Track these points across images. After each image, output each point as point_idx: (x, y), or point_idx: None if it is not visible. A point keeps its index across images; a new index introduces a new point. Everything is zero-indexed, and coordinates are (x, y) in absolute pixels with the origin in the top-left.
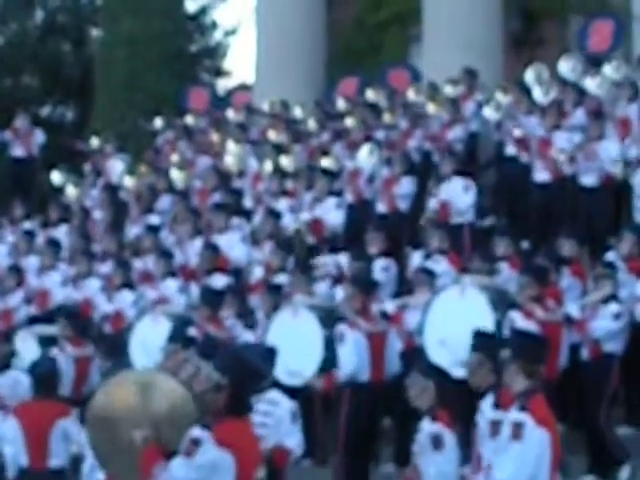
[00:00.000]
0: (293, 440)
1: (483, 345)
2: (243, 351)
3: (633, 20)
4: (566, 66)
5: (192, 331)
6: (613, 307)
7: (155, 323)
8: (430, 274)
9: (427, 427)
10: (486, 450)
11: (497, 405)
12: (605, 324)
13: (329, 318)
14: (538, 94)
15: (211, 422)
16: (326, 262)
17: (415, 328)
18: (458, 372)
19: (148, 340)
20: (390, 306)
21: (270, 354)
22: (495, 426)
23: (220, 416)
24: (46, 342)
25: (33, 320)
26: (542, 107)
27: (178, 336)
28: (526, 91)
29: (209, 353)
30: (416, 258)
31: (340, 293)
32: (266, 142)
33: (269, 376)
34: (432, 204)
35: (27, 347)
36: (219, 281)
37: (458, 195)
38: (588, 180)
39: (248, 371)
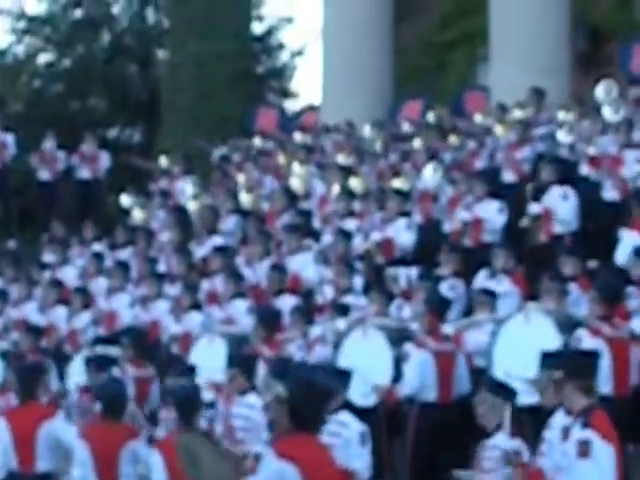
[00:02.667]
0: (360, 463)
1: (549, 364)
2: (307, 368)
3: None
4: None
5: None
6: None
7: (211, 344)
8: (491, 295)
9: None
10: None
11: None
12: None
13: (399, 337)
14: (608, 112)
15: (275, 438)
16: (398, 274)
17: (476, 349)
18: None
19: (203, 361)
20: (449, 328)
21: (343, 375)
22: (566, 431)
23: (284, 433)
24: (108, 363)
25: (100, 342)
26: (612, 125)
27: (236, 359)
28: (596, 110)
29: (280, 372)
30: (480, 278)
31: (408, 311)
32: (333, 163)
33: (335, 394)
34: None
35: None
36: (287, 302)
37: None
38: None
39: (310, 387)
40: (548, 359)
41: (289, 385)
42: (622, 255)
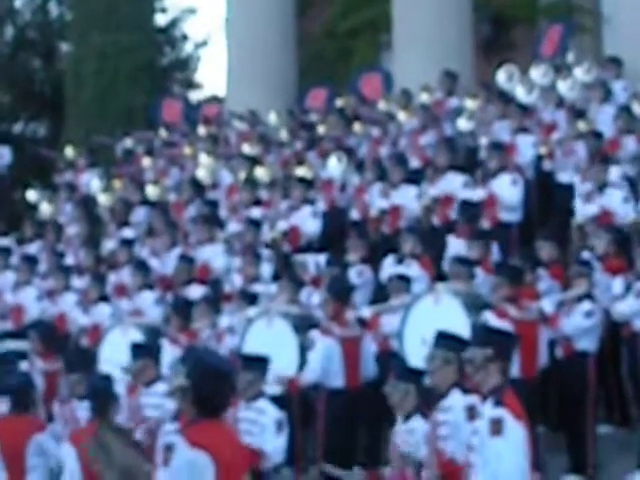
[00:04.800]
0: (271, 446)
1: (448, 344)
2: (204, 353)
3: (602, 22)
4: (537, 72)
5: (164, 342)
6: (585, 305)
7: (125, 334)
8: (405, 280)
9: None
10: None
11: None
12: (576, 321)
13: (304, 325)
14: (521, 94)
15: (183, 427)
16: (307, 261)
17: (391, 332)
18: None
19: (118, 351)
20: (366, 312)
21: (261, 362)
22: (471, 410)
23: (191, 421)
24: (17, 357)
25: (7, 336)
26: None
27: (144, 349)
28: (499, 94)
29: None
30: (388, 263)
31: (317, 297)
32: (238, 154)
33: (232, 377)
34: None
35: None
36: (196, 292)
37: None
38: (565, 177)
39: (208, 372)
40: (445, 340)
41: (190, 372)
42: None
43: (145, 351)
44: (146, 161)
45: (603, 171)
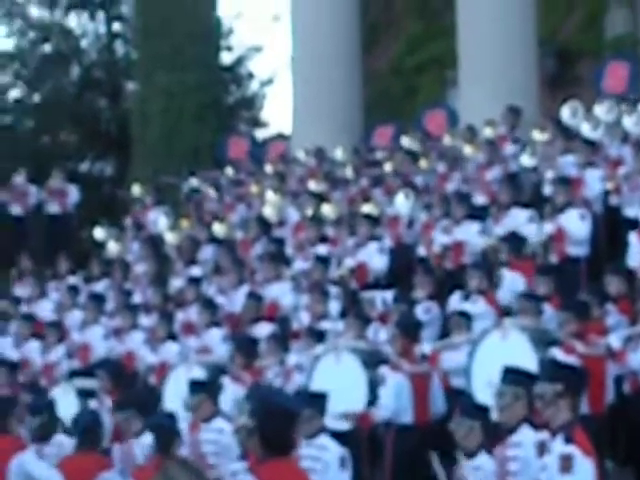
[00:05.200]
0: None
1: (517, 380)
2: (269, 392)
3: None
4: (601, 108)
5: (226, 380)
6: None
7: (189, 372)
8: (466, 317)
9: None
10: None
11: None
12: None
13: (373, 361)
14: (586, 130)
15: (253, 466)
16: (374, 297)
17: (451, 369)
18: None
19: (181, 389)
20: (427, 348)
21: (319, 398)
22: (542, 447)
23: (261, 460)
24: (85, 396)
25: (75, 374)
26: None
27: (202, 386)
28: (563, 129)
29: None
30: (455, 299)
31: (384, 334)
32: (305, 191)
33: (300, 415)
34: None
35: (66, 401)
36: (263, 330)
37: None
38: (632, 212)
39: (273, 411)
40: (514, 375)
41: (255, 411)
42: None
43: (202, 387)
44: (212, 199)
45: None
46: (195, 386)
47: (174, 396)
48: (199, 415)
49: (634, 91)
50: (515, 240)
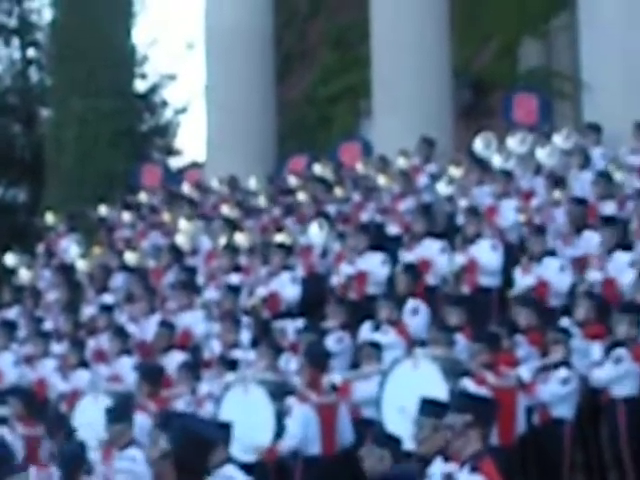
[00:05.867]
0: None
1: (435, 411)
2: (188, 420)
3: (582, 88)
4: (513, 140)
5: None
6: (562, 372)
7: (96, 401)
8: (377, 347)
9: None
10: None
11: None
12: (553, 388)
13: (281, 392)
14: (498, 161)
15: None
16: (286, 327)
17: (362, 400)
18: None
19: (89, 418)
20: (338, 378)
21: (225, 428)
22: (449, 478)
23: None
24: None
25: None
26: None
27: (121, 414)
28: (478, 160)
29: (164, 426)
30: (365, 329)
31: (295, 364)
32: (218, 218)
33: (217, 445)
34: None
35: None
36: (175, 358)
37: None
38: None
39: (192, 438)
40: (431, 407)
41: (171, 438)
42: None
43: (122, 415)
44: (125, 226)
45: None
46: (113, 414)
47: (82, 425)
48: (117, 444)
49: (544, 123)
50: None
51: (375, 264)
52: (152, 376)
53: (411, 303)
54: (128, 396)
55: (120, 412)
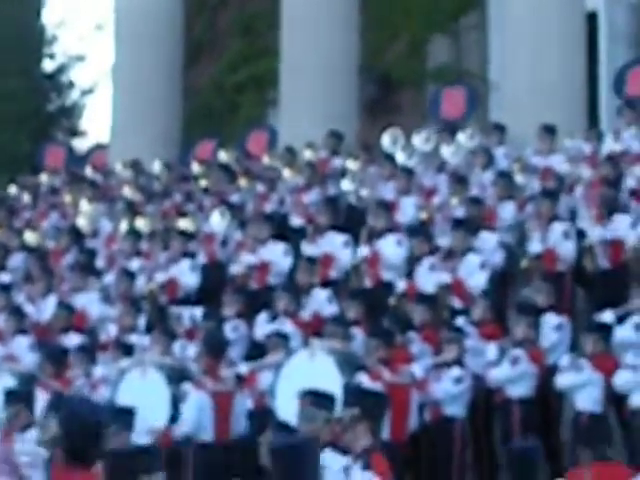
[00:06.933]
0: None
1: (322, 403)
2: (79, 402)
3: (489, 88)
4: (419, 138)
5: (37, 389)
6: (455, 371)
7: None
8: (283, 337)
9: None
10: None
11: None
12: (445, 387)
13: (178, 377)
14: (402, 158)
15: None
16: (181, 313)
17: (267, 389)
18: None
19: None
20: (244, 368)
21: (127, 414)
22: (347, 471)
23: (63, 468)
24: None
25: None
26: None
27: (19, 395)
28: (385, 156)
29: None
30: (262, 320)
31: (192, 350)
32: (120, 202)
33: (105, 428)
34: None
35: None
36: (73, 340)
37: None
38: (444, 241)
39: (81, 422)
40: (322, 399)
41: (61, 422)
42: None
43: (19, 397)
44: (27, 207)
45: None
46: (11, 396)
47: None
48: (15, 425)
49: (469, 115)
50: None
51: (277, 254)
52: (56, 357)
53: (324, 293)
54: (30, 376)
55: (18, 393)
